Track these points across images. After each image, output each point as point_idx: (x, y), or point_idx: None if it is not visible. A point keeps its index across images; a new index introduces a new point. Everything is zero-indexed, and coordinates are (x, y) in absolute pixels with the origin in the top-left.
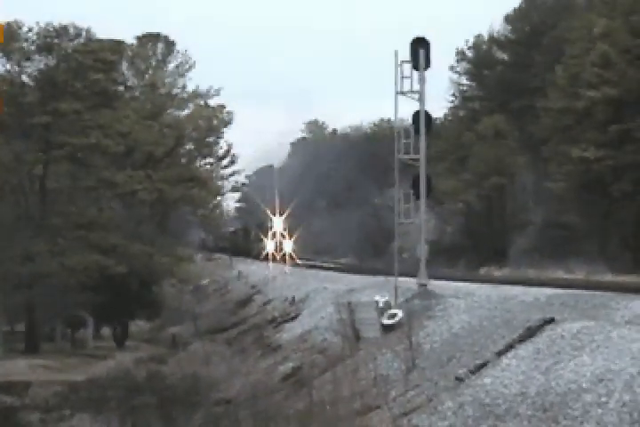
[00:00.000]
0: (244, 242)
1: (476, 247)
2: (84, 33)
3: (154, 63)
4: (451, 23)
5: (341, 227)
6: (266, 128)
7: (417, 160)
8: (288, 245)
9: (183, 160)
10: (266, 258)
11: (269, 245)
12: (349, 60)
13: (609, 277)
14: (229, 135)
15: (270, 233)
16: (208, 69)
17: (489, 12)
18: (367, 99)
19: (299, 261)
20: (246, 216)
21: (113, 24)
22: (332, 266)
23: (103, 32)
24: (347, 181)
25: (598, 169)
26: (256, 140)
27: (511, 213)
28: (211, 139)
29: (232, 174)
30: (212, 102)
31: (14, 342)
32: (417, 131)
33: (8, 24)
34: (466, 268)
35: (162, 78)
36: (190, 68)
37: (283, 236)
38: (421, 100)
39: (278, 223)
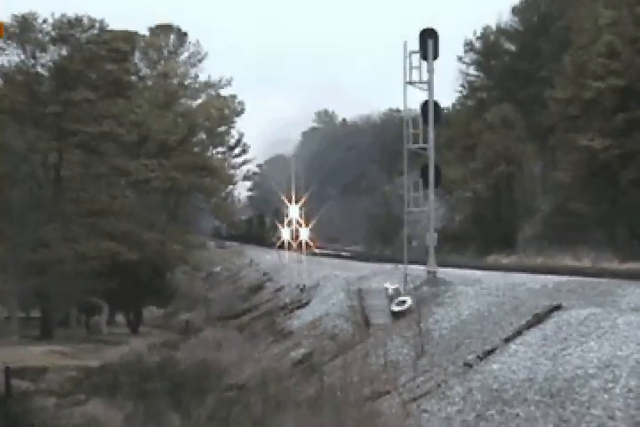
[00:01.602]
0: (260, 230)
1: (484, 235)
2: (97, 24)
3: (166, 54)
4: (459, 14)
5: (352, 215)
6: (277, 117)
7: (426, 149)
8: (304, 233)
9: (195, 149)
10: (282, 246)
11: (285, 233)
12: (359, 51)
13: (615, 265)
14: (241, 125)
15: (286, 221)
16: (220, 59)
17: (497, 3)
18: (377, 89)
19: (316, 250)
20: (259, 204)
21: (126, 15)
22: (342, 254)
23: (116, 23)
24: (357, 170)
25: (605, 157)
26: (267, 129)
27: (519, 201)
28: (222, 128)
29: (243, 163)
30: (224, 92)
31: (29, 328)
32: (426, 120)
33: (23, 16)
34: (474, 255)
35: (174, 68)
36: (202, 58)
37: (299, 223)
38: (430, 89)
39: (294, 211)
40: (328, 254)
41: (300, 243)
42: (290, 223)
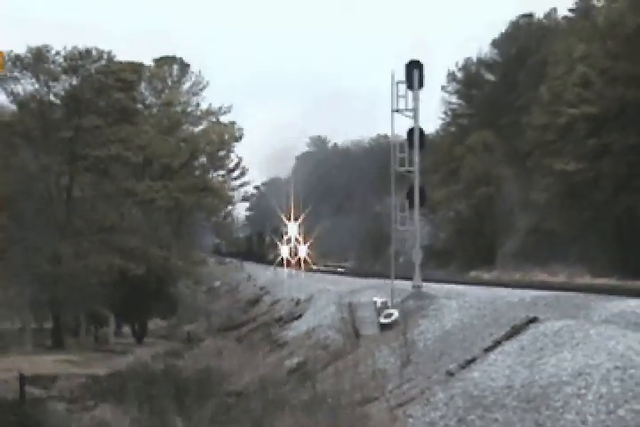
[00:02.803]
0: (259, 247)
1: (466, 252)
2: (105, 55)
3: (170, 83)
4: (443, 47)
5: (343, 233)
6: (272, 142)
7: (412, 172)
8: (302, 250)
9: (197, 172)
10: (281, 263)
11: (284, 250)
12: (349, 81)
13: (588, 280)
14: (239, 149)
15: (285, 238)
16: (220, 84)
17: (478, 36)
18: (366, 116)
19: (314, 266)
20: (257, 223)
21: (132, 45)
22: (334, 270)
23: (123, 53)
24: (348, 191)
25: (578, 180)
26: (263, 153)
27: (498, 220)
28: (222, 152)
29: (242, 185)
30: (224, 119)
31: (42, 339)
32: (411, 145)
33: (37, 48)
34: (457, 271)
35: (177, 97)
36: (204, 87)
37: (297, 241)
38: (415, 117)
39: (293, 228)
40: (322, 270)
41: (299, 260)
42: (289, 241)
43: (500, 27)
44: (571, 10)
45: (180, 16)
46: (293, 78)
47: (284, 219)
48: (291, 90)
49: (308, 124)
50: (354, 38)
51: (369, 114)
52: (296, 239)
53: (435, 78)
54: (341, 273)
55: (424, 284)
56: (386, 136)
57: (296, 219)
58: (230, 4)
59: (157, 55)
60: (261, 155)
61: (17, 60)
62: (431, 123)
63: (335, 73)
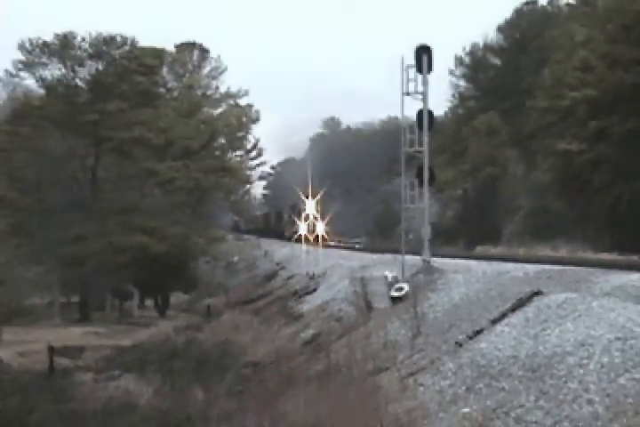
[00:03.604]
0: (277, 224)
1: (472, 230)
2: (129, 42)
3: (190, 68)
4: (451, 32)
5: (354, 211)
6: (287, 123)
7: (421, 152)
8: (320, 227)
9: (216, 152)
10: (299, 239)
11: (303, 227)
12: (363, 65)
13: (589, 255)
14: (256, 131)
15: (303, 215)
16: (238, 70)
17: (484, 22)
18: (377, 98)
19: (331, 243)
20: (273, 202)
21: (155, 31)
22: (349, 246)
23: (146, 39)
24: (359, 171)
25: (579, 161)
26: (279, 134)
27: (503, 199)
28: (240, 134)
29: (259, 165)
30: (242, 102)
31: (70, 312)
32: (421, 127)
33: (64, 35)
34: (464, 247)
35: (197, 81)
36: (222, 72)
37: (315, 218)
38: (425, 100)
39: (311, 206)
40: (339, 246)
41: (317, 236)
42: (307, 218)
43: (505, 12)
44: None
45: (179, 17)
46: (294, 78)
47: (302, 196)
48: (292, 89)
49: (320, 107)
50: (353, 38)
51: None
52: (314, 216)
53: (443, 63)
54: (357, 249)
55: (433, 259)
56: (396, 118)
57: (314, 197)
58: (229, 5)
59: (178, 40)
60: (276, 136)
61: (44, 47)
62: (439, 106)
63: (335, 73)
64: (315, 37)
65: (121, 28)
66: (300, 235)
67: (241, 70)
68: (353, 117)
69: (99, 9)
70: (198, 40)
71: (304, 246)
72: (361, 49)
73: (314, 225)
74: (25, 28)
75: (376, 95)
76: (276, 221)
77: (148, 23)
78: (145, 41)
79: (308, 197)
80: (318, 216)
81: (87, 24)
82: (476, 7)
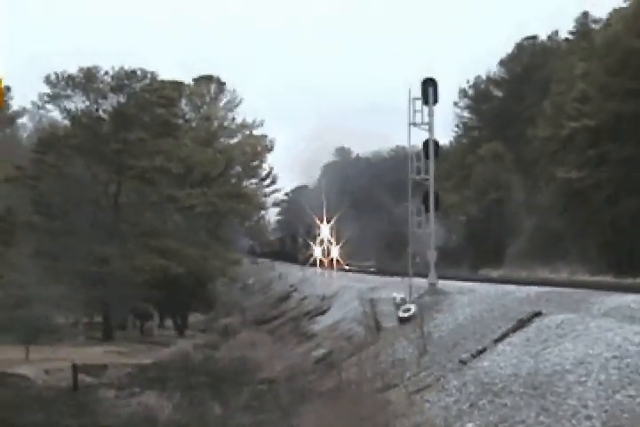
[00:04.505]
0: (292, 248)
1: (476, 252)
2: (149, 75)
3: (208, 100)
4: (455, 66)
5: (364, 236)
6: (300, 153)
7: (427, 180)
8: (335, 251)
9: (233, 180)
10: (314, 264)
11: (317, 251)
12: (370, 96)
13: (588, 277)
14: (271, 159)
15: (318, 240)
16: (253, 101)
17: (487, 56)
18: (385, 129)
19: (346, 266)
20: (287, 226)
21: (174, 64)
22: (362, 270)
23: (166, 73)
24: (368, 197)
25: (579, 187)
26: (292, 163)
27: (506, 222)
28: (255, 162)
29: (273, 192)
30: (256, 132)
31: (93, 332)
32: (427, 155)
33: (88, 68)
34: (468, 269)
35: (214, 112)
36: (238, 104)
37: (329, 242)
38: (430, 130)
39: (325, 230)
40: (352, 270)
41: (331, 260)
42: (321, 242)
43: (507, 47)
44: (571, 32)
45: (198, 51)
46: (307, 110)
47: (317, 221)
48: (305, 121)
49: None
50: (363, 70)
51: (386, 127)
52: (328, 240)
53: (448, 95)
54: (370, 272)
55: (439, 281)
56: (403, 147)
57: (328, 221)
58: (247, 40)
59: (196, 73)
60: (288, 164)
61: (69, 80)
62: (445, 135)
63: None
64: (326, 73)
65: (141, 61)
66: (315, 259)
67: (256, 101)
68: (363, 147)
69: (120, 44)
70: (215, 73)
71: (318, 270)
72: (370, 82)
73: (328, 249)
74: (48, 62)
75: (385, 126)
76: (291, 245)
77: (168, 57)
78: (164, 74)
79: (322, 222)
80: (333, 240)
81: (109, 58)
82: (479, 43)
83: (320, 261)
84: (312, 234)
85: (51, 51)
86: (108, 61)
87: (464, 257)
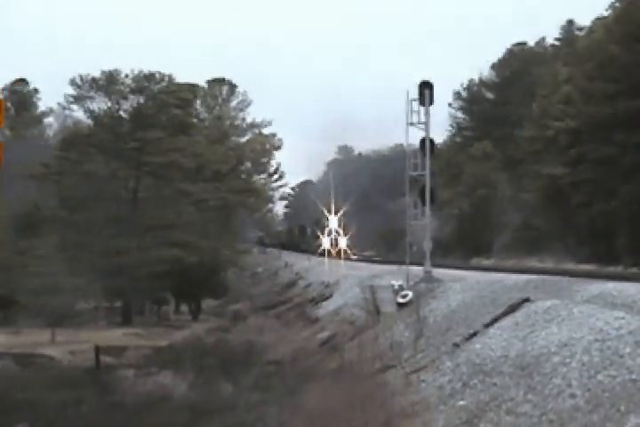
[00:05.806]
0: (301, 239)
1: (467, 243)
2: (166, 78)
3: (220, 101)
4: (449, 70)
5: (364, 228)
6: (305, 150)
7: (423, 176)
8: (343, 242)
9: (243, 175)
10: (323, 254)
11: (326, 242)
12: (370, 98)
13: (571, 266)
14: (279, 156)
15: (327, 230)
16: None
17: (479, 61)
18: (385, 128)
19: (353, 257)
20: (294, 218)
21: (189, 67)
22: (367, 259)
23: (182, 75)
24: (368, 192)
25: (561, 184)
26: (298, 159)
27: (494, 217)
28: (264, 159)
29: (280, 186)
30: (266, 131)
31: (113, 316)
32: (423, 153)
33: (110, 72)
34: (460, 259)
35: (226, 113)
36: (248, 104)
37: (337, 233)
38: (427, 129)
39: (334, 221)
40: (358, 260)
41: (339, 250)
42: (330, 233)
43: (497, 53)
44: (557, 39)
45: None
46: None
47: (326, 212)
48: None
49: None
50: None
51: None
52: (336, 231)
53: (443, 96)
54: (373, 261)
55: (433, 269)
56: (401, 145)
57: (336, 213)
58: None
59: (210, 76)
60: (294, 161)
61: (93, 82)
62: (439, 134)
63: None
64: (331, 76)
65: (159, 65)
66: (324, 249)
67: (266, 102)
68: (364, 145)
69: (140, 48)
70: (228, 76)
71: (326, 260)
72: (372, 83)
73: (336, 240)
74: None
75: (384, 125)
76: (300, 236)
77: (184, 60)
78: (181, 77)
79: (330, 213)
80: (341, 231)
81: (129, 61)
82: (472, 48)
83: (328, 251)
84: (320, 225)
85: (76, 54)
86: (128, 64)
87: (456, 247)
